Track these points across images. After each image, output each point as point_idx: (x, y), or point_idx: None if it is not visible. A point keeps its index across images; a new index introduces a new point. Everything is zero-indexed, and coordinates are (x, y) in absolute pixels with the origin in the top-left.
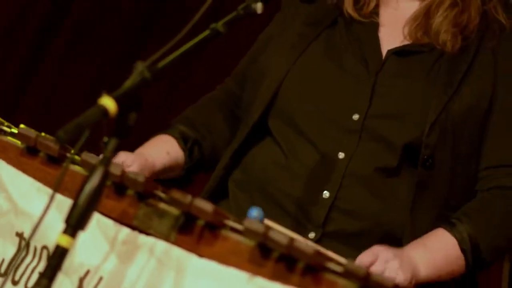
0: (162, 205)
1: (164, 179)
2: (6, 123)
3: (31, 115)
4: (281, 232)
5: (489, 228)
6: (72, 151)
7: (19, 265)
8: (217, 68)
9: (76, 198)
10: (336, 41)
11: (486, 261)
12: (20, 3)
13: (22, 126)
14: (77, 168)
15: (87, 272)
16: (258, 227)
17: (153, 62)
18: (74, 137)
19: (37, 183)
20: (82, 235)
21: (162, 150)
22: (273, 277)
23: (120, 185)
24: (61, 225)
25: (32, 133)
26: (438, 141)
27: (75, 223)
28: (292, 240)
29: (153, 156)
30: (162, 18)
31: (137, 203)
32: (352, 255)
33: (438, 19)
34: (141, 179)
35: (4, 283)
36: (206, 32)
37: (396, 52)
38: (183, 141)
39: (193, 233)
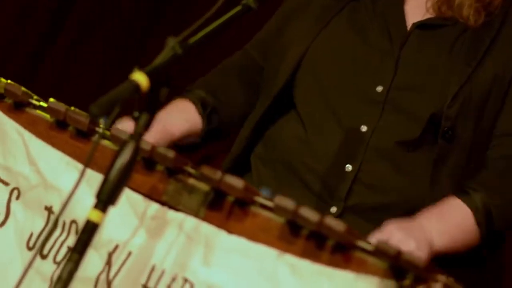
0: (192, 181)
1: (179, 145)
2: (35, 97)
3: (48, 86)
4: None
5: (503, 197)
6: (101, 126)
7: (47, 239)
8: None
9: (107, 174)
10: (361, 14)
11: (496, 231)
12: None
13: (51, 100)
14: (106, 142)
15: (116, 247)
16: (289, 204)
17: (184, 38)
18: (107, 111)
19: (66, 157)
20: (111, 210)
21: (181, 117)
22: (303, 254)
23: (149, 160)
24: (90, 200)
25: (61, 106)
26: (459, 113)
27: (106, 199)
28: (322, 217)
29: (172, 123)
30: (163, 18)
31: (167, 179)
32: (374, 230)
33: None
34: (171, 154)
35: (34, 257)
36: (237, 8)
37: (420, 26)
38: (202, 107)
39: (223, 209)
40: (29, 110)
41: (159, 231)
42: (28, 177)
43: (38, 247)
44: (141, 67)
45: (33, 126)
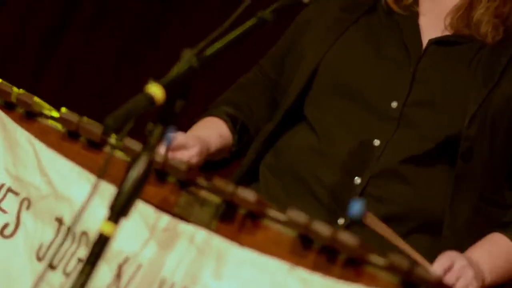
0: (203, 193)
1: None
2: (47, 106)
3: (54, 87)
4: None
5: None
6: (114, 137)
7: (57, 251)
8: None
9: (120, 185)
10: (375, 27)
11: None
12: None
13: (63, 109)
14: (118, 153)
15: (126, 259)
16: (301, 218)
17: (200, 50)
18: (122, 124)
19: (78, 168)
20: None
21: (215, 133)
22: (314, 268)
23: (161, 171)
24: (101, 211)
25: (74, 117)
26: (477, 133)
27: (119, 210)
28: (335, 232)
29: (208, 138)
30: (169, 24)
31: (178, 191)
32: (383, 242)
33: (480, 10)
34: (183, 167)
35: (45, 270)
36: (253, 20)
37: (437, 42)
38: (232, 123)
39: (234, 222)
40: (41, 120)
41: (170, 243)
42: (39, 187)
43: (49, 259)
44: (152, 73)
45: (44, 136)
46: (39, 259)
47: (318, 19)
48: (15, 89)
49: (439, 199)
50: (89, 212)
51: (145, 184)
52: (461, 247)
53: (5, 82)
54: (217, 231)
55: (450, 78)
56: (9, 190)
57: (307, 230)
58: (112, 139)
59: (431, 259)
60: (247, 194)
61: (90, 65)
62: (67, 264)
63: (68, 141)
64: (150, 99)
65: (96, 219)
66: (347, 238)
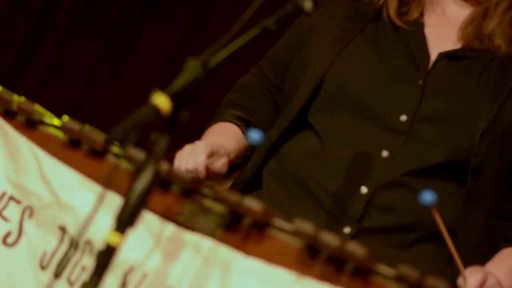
0: (208, 202)
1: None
2: (48, 114)
3: (35, 85)
4: None
5: None
6: (117, 145)
7: (65, 262)
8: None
9: (126, 196)
10: (381, 36)
11: None
12: None
13: (65, 118)
14: (121, 161)
15: (131, 268)
16: (308, 228)
17: (204, 60)
18: (128, 135)
19: (80, 176)
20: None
21: (233, 140)
22: (322, 278)
23: (164, 180)
24: (104, 220)
25: (76, 125)
26: (487, 149)
27: (125, 221)
28: (343, 242)
29: (228, 146)
30: (154, 17)
31: (182, 199)
32: (389, 251)
33: (494, 22)
34: (187, 177)
35: (51, 282)
36: (257, 29)
37: (447, 56)
38: (245, 127)
39: (240, 232)
40: (42, 128)
41: (175, 253)
42: (41, 195)
43: (54, 269)
44: (133, 72)
45: (46, 144)
46: (43, 267)
47: (322, 26)
48: (15, 97)
49: (447, 211)
50: (93, 221)
51: (151, 194)
52: (475, 263)
53: (6, 90)
54: (222, 240)
55: (460, 94)
56: (11, 198)
57: (315, 240)
58: (115, 148)
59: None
60: (254, 204)
61: (72, 64)
62: (71, 272)
63: (69, 149)
64: (157, 109)
65: (99, 228)
66: (356, 249)
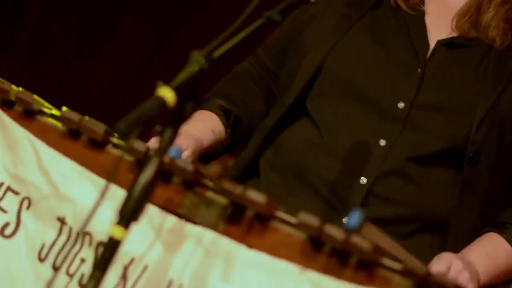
0: (209, 194)
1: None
2: (46, 104)
3: (14, 67)
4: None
5: None
6: (116, 136)
7: (60, 250)
8: None
9: (130, 189)
10: (381, 23)
11: None
12: None
13: (64, 108)
14: (120, 152)
15: (132, 260)
16: (313, 221)
17: (209, 52)
18: (133, 129)
19: (79, 167)
20: None
21: (207, 128)
22: (325, 271)
23: (165, 171)
24: (104, 211)
25: (75, 116)
26: (484, 137)
27: (129, 215)
28: (348, 235)
29: (201, 135)
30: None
31: (183, 191)
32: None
33: (489, 15)
34: (190, 167)
35: (55, 277)
36: (261, 21)
37: (446, 44)
38: (225, 117)
39: (242, 224)
40: (40, 118)
41: (176, 245)
42: (39, 186)
43: (53, 260)
44: (112, 53)
45: (44, 134)
46: (41, 259)
47: (323, 14)
48: (13, 87)
49: (445, 200)
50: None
51: (155, 187)
52: None
53: (3, 80)
54: (225, 232)
55: (458, 82)
56: (9, 189)
57: (320, 233)
58: (115, 139)
59: (433, 258)
60: (257, 196)
61: (51, 46)
62: (70, 265)
63: (68, 140)
64: (162, 102)
65: (99, 219)
66: (361, 242)
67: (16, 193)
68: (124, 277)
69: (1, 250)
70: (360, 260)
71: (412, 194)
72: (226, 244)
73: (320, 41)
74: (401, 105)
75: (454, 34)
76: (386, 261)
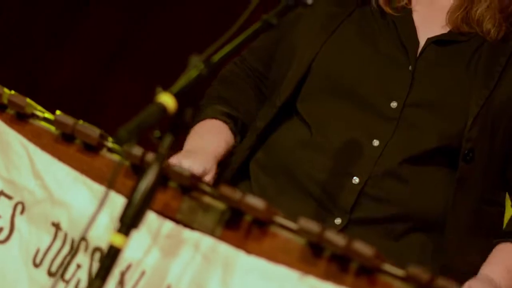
0: (207, 199)
1: None
2: (39, 108)
3: None
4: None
5: None
6: (111, 140)
7: (55, 256)
8: None
9: (130, 197)
10: (369, 21)
11: None
12: None
13: (58, 112)
14: (115, 156)
15: (129, 266)
16: (314, 227)
17: (207, 57)
18: (135, 136)
19: (74, 172)
20: None
21: (221, 140)
22: (326, 277)
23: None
24: (101, 218)
25: (69, 120)
26: (478, 134)
27: (129, 223)
28: (349, 241)
29: (217, 150)
30: None
31: (180, 196)
32: (380, 242)
33: (482, 7)
34: (186, 173)
35: (55, 282)
36: (258, 24)
37: (436, 41)
38: (233, 124)
39: (240, 229)
40: (33, 122)
41: (173, 251)
42: (33, 191)
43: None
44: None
45: (37, 138)
46: (36, 265)
47: (309, 13)
48: (6, 90)
49: (439, 200)
50: (87, 218)
51: (155, 194)
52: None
53: None
54: (222, 238)
55: (450, 79)
56: (2, 193)
57: (320, 239)
58: (110, 143)
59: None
60: (255, 202)
61: (22, 37)
62: (65, 270)
63: (62, 144)
64: (163, 109)
65: (95, 225)
66: (362, 248)
67: (9, 197)
68: (121, 283)
69: None
70: (361, 266)
71: (406, 194)
72: (225, 249)
73: (308, 41)
74: (393, 104)
75: (445, 30)
76: (388, 267)
